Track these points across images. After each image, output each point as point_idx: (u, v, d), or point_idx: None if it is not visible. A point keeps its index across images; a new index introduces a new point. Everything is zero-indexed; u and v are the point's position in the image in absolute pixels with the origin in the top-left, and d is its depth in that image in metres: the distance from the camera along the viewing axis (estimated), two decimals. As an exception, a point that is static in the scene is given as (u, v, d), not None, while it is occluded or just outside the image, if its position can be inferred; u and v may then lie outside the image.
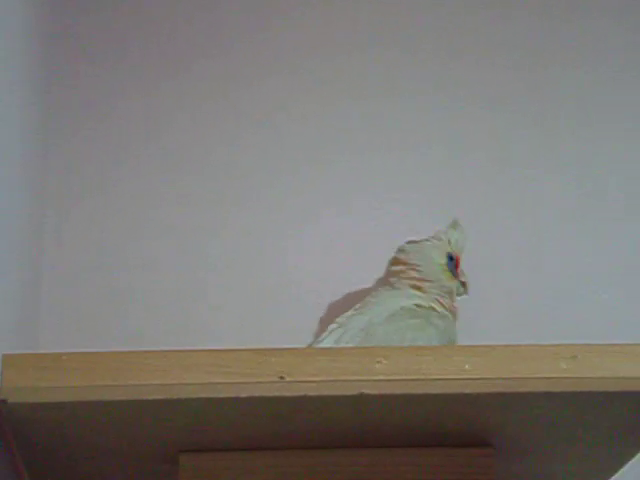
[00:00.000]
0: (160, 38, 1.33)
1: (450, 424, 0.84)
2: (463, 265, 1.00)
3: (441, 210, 1.18)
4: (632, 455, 0.94)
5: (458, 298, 1.00)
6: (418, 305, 0.96)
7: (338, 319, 0.97)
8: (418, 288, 0.97)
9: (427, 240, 1.01)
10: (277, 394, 0.77)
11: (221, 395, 0.77)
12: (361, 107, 1.31)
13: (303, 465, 0.87)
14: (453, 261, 0.98)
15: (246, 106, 1.31)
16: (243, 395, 0.77)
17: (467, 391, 0.77)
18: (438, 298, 0.97)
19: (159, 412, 0.80)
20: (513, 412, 0.82)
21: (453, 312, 0.98)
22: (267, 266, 1.21)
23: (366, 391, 0.77)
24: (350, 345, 0.91)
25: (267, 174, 1.27)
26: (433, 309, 0.96)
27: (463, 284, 0.99)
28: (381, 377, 0.77)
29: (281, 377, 0.77)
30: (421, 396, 0.77)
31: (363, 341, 0.92)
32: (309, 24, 1.35)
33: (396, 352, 0.78)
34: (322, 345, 0.93)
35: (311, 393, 0.77)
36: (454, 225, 1.01)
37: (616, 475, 0.99)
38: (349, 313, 0.97)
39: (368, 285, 1.11)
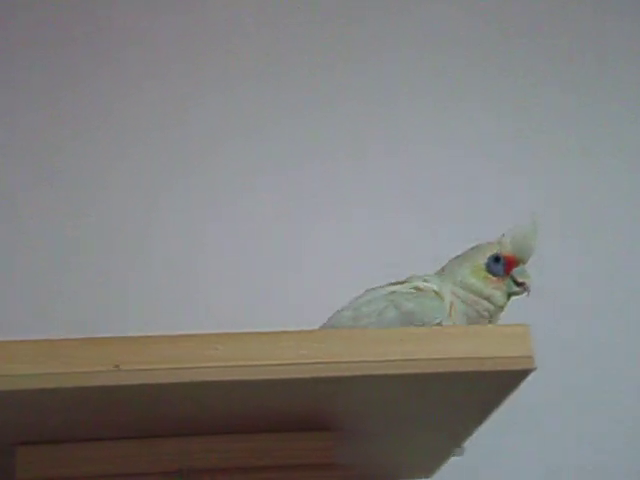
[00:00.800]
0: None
1: (289, 409, 0.84)
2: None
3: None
4: (470, 433, 0.96)
5: (515, 298, 0.97)
6: (416, 288, 0.95)
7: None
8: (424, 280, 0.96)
9: (476, 245, 0.99)
10: (112, 383, 0.76)
11: (56, 385, 0.76)
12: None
13: (142, 454, 0.86)
14: (500, 261, 0.96)
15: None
16: (79, 385, 0.76)
17: (303, 376, 0.78)
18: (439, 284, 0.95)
19: (-6, 404, 0.78)
20: (350, 395, 0.83)
21: (475, 308, 0.95)
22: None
23: (202, 378, 0.77)
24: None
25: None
26: (420, 288, 0.94)
27: (519, 284, 0.96)
28: (217, 364, 0.77)
29: (116, 366, 0.76)
30: (258, 382, 0.78)
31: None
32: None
33: (232, 338, 0.78)
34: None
35: (147, 381, 0.76)
36: (526, 225, 0.97)
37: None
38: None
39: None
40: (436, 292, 0.95)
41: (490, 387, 0.84)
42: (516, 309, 0.95)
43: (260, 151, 1.36)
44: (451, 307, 0.94)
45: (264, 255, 1.32)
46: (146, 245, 1.28)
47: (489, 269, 0.96)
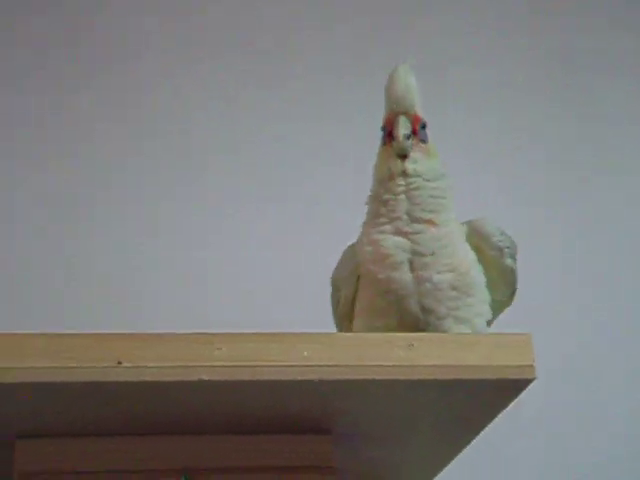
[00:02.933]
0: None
1: (290, 411, 0.84)
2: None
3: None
4: (468, 442, 0.96)
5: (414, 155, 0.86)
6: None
7: None
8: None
9: None
10: (115, 379, 0.76)
11: (58, 379, 0.76)
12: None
13: (143, 451, 0.85)
14: (384, 127, 0.87)
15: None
16: (81, 380, 0.76)
17: (306, 378, 0.78)
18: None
19: (-5, 397, 0.78)
20: (352, 399, 0.83)
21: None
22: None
23: (205, 377, 0.77)
24: None
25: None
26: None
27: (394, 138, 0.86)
28: (220, 363, 0.77)
29: (119, 362, 0.77)
30: (260, 383, 0.78)
31: None
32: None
33: (236, 339, 0.78)
34: None
35: (149, 379, 0.76)
36: (391, 73, 0.88)
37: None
38: None
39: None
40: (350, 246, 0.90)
41: (491, 396, 0.84)
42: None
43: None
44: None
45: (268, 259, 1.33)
46: (149, 243, 1.28)
47: (383, 142, 0.88)
